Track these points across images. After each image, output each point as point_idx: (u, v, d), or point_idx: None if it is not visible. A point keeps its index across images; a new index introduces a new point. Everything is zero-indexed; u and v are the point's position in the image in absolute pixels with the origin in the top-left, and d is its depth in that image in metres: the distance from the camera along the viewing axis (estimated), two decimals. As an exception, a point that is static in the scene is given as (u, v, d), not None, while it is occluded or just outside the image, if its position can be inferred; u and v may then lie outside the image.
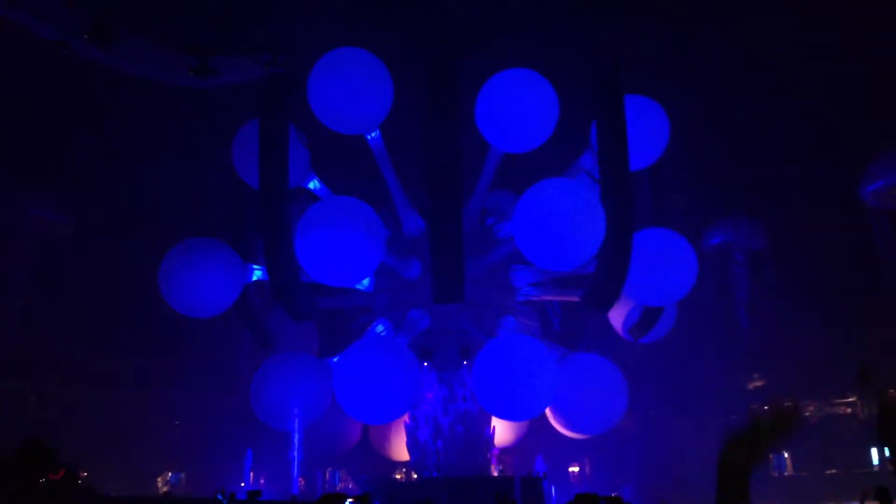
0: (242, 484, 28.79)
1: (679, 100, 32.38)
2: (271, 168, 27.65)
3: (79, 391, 35.91)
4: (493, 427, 31.10)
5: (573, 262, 27.93)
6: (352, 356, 28.25)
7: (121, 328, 35.71)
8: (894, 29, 32.28)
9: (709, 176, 36.66)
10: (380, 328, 31.90)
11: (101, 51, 22.33)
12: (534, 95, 28.84)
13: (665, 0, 34.66)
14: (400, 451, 32.78)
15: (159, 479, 37.40)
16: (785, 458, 40.16)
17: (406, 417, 30.74)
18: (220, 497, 19.27)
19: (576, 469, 39.16)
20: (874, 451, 40.62)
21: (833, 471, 39.21)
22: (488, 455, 30.83)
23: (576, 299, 30.96)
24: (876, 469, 39.28)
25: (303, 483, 29.59)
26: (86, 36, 21.59)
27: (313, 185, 32.07)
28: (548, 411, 30.20)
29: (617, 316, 31.47)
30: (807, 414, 43.97)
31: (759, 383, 43.36)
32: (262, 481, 30.53)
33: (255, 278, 30.64)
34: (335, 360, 30.43)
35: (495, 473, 31.10)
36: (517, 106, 28.60)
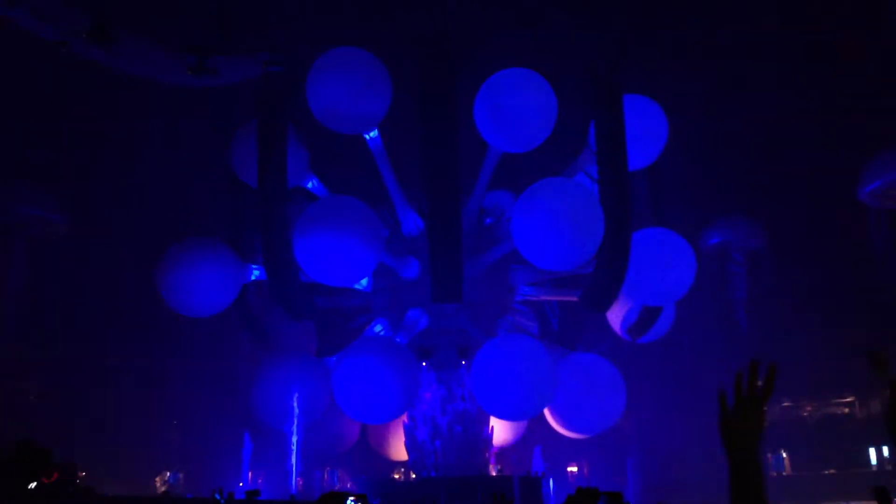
0: (241, 484, 28.77)
1: (677, 99, 32.40)
2: (270, 168, 27.66)
3: (77, 391, 35.85)
4: (492, 427, 31.10)
5: (571, 262, 27.95)
6: (350, 356, 28.24)
7: (119, 328, 35.65)
8: (893, 29, 32.30)
9: (707, 176, 36.66)
10: (378, 328, 31.90)
11: (100, 50, 22.31)
12: (532, 95, 28.85)
13: (664, 0, 34.66)
14: (398, 450, 32.77)
15: (157, 479, 37.37)
16: (783, 458, 40.20)
17: (404, 417, 30.73)
18: (217, 497, 19.26)
19: (574, 469, 39.17)
20: (872, 451, 40.66)
21: (831, 470, 39.24)
22: (487, 455, 30.83)
23: (574, 299, 30.97)
24: (874, 469, 39.33)
25: (301, 483, 29.58)
26: (85, 36, 21.57)
27: (311, 184, 32.06)
28: (546, 411, 30.22)
29: (615, 316, 31.48)
30: (805, 414, 44.02)
31: (756, 383, 43.35)
32: (259, 481, 30.51)
33: (253, 278, 30.63)
34: (334, 359, 30.43)
35: (493, 473, 31.10)
36: (516, 106, 28.62)
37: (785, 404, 43.14)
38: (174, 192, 35.52)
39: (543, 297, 34.13)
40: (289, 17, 30.64)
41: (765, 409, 2.80)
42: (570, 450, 36.14)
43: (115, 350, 36.49)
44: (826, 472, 39.30)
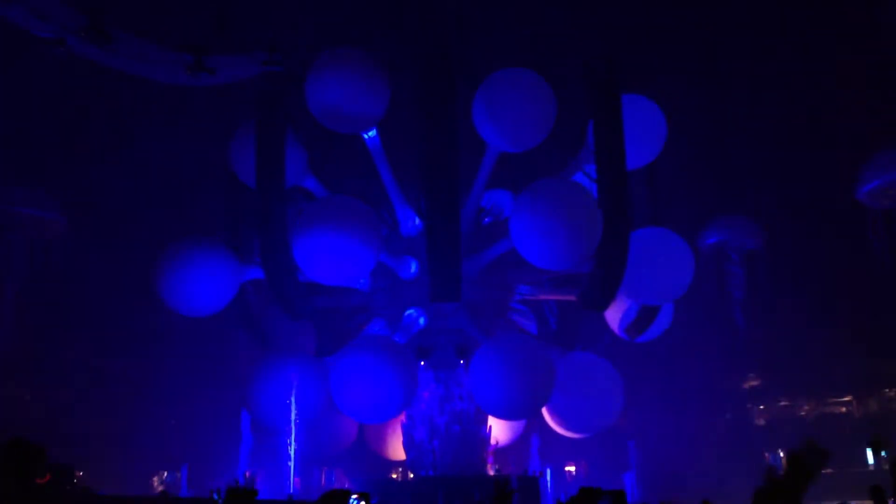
0: (243, 476, 28.72)
1: (676, 99, 32.41)
2: (268, 167, 27.65)
3: (74, 391, 35.82)
4: (490, 426, 31.11)
5: (569, 262, 27.96)
6: (348, 355, 28.23)
7: (117, 327, 35.62)
8: (891, 29, 32.32)
9: (705, 175, 36.71)
10: (376, 327, 31.89)
11: (97, 49, 22.25)
12: (531, 95, 28.85)
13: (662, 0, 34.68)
14: (396, 450, 32.76)
15: (155, 479, 37.34)
16: (781, 458, 40.23)
17: (402, 416, 30.72)
18: (216, 497, 19.22)
19: (572, 468, 39.19)
20: (869, 451, 40.73)
21: (829, 470, 39.27)
22: (485, 454, 30.83)
23: (572, 298, 30.99)
24: (871, 468, 39.38)
25: (298, 483, 29.55)
26: (82, 34, 21.52)
27: (310, 184, 32.04)
28: (544, 411, 30.24)
29: (613, 315, 31.50)
30: (802, 413, 44.07)
31: (754, 382, 43.47)
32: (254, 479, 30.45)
33: (251, 277, 30.60)
34: (331, 359, 30.40)
35: (492, 473, 31.11)
36: (514, 105, 28.62)
37: (782, 404, 43.20)
38: (172, 192, 35.49)
39: (542, 297, 34.13)
40: (287, 17, 30.62)
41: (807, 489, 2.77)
42: (568, 449, 36.17)
43: (112, 350, 36.47)
44: (823, 471, 39.34)
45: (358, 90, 28.84)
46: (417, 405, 30.32)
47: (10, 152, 32.98)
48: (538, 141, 29.73)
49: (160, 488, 35.41)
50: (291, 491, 27.59)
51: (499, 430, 32.30)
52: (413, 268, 31.03)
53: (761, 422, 45.06)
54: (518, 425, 34.00)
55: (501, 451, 33.57)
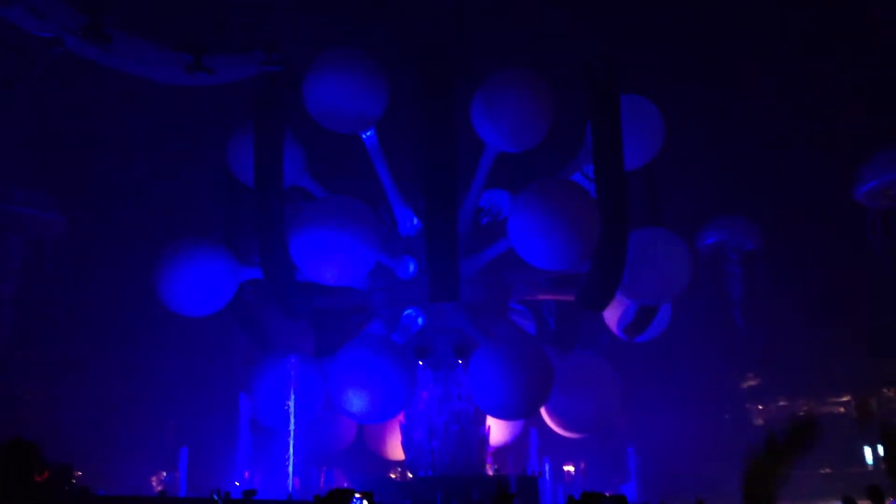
0: (237, 483, 28.73)
1: (674, 99, 32.45)
2: (266, 167, 27.64)
3: (73, 390, 35.80)
4: (488, 426, 31.10)
5: (568, 262, 27.97)
6: (347, 355, 28.22)
7: (115, 327, 35.61)
8: (890, 30, 32.37)
9: (704, 175, 36.75)
10: (375, 327, 31.87)
11: (95, 49, 22.25)
12: (529, 95, 28.86)
13: (661, 0, 34.71)
14: (395, 450, 32.76)
15: (154, 479, 37.32)
16: (789, 471, 40.25)
17: (401, 416, 30.72)
18: (216, 497, 19.20)
19: (571, 468, 39.20)
20: (868, 450, 40.77)
21: (827, 469, 39.34)
22: (483, 454, 30.83)
23: (571, 298, 30.99)
24: (870, 467, 39.43)
25: (297, 482, 29.53)
26: (80, 34, 21.51)
27: (308, 184, 32.04)
28: (543, 411, 30.23)
29: (612, 315, 31.51)
30: (800, 413, 44.09)
31: (752, 382, 43.50)
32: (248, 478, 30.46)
33: (250, 277, 30.59)
34: (330, 359, 30.39)
35: (490, 473, 31.11)
36: (513, 105, 28.63)
37: (780, 403, 43.22)
38: (170, 192, 35.50)
39: (540, 297, 34.14)
40: (286, 17, 30.63)
41: (792, 462, 2.82)
42: (567, 449, 36.18)
43: (111, 349, 36.45)
44: (822, 471, 39.40)
45: (356, 90, 28.84)
46: (416, 405, 30.32)
47: (9, 152, 32.97)
48: (537, 141, 29.73)
49: (159, 488, 35.39)
50: (290, 491, 27.58)
51: (497, 429, 32.31)
52: (411, 268, 31.03)
53: (760, 421, 45.07)
54: (516, 425, 34.00)
55: (500, 452, 33.59)
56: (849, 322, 36.29)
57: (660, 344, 33.21)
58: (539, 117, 29.14)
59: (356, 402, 27.32)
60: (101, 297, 35.45)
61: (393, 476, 35.10)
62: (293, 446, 28.09)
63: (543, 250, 27.33)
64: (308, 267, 27.89)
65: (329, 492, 5.15)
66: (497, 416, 30.10)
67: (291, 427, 28.30)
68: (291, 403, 28.31)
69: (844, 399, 44.29)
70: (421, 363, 30.25)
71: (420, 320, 31.26)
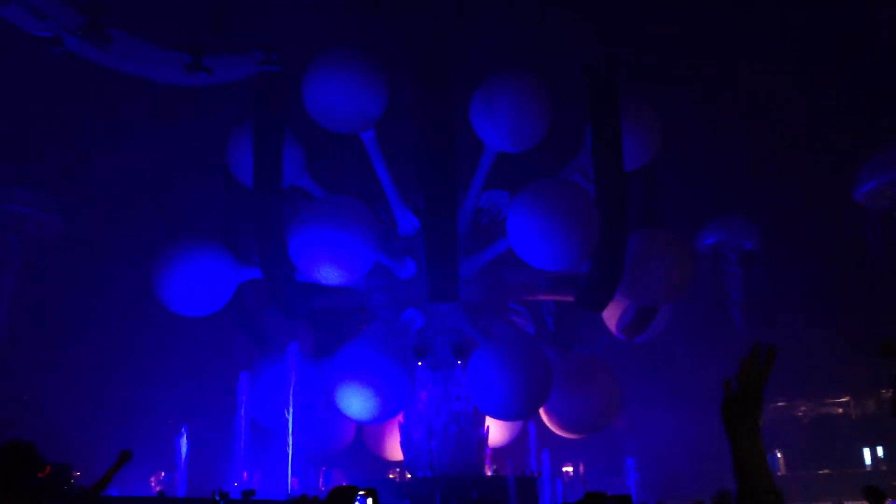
0: (236, 483, 28.72)
1: (674, 100, 32.45)
2: (266, 167, 27.63)
3: (72, 390, 35.76)
4: (487, 427, 31.10)
5: (567, 262, 27.97)
6: (346, 355, 28.22)
7: (114, 327, 35.59)
8: (890, 29, 32.39)
9: (703, 176, 36.76)
10: (374, 327, 31.86)
11: (94, 49, 22.24)
12: (529, 95, 28.86)
13: (659, 0, 34.71)
14: (394, 450, 32.75)
15: (153, 479, 37.28)
16: (778, 458, 40.31)
17: (400, 417, 30.71)
18: (217, 497, 19.16)
19: (570, 469, 39.20)
20: (866, 451, 40.78)
21: (826, 470, 39.37)
22: (482, 455, 30.82)
23: (570, 299, 30.99)
24: (868, 468, 39.44)
25: (296, 483, 29.52)
26: (79, 34, 21.50)
27: (307, 183, 32.03)
28: (542, 411, 30.23)
29: (611, 315, 31.51)
30: (799, 414, 44.09)
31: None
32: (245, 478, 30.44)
33: (249, 277, 30.58)
34: (329, 359, 30.38)
35: (489, 473, 31.10)
36: (512, 106, 28.63)
37: (780, 404, 43.22)
38: (170, 192, 35.47)
39: (539, 297, 34.14)
40: (285, 17, 30.61)
41: (762, 388, 2.92)
42: (565, 449, 36.18)
43: (110, 349, 36.41)
44: (820, 471, 39.43)
45: (356, 90, 28.83)
46: (415, 405, 30.32)
47: (8, 152, 32.95)
48: (536, 141, 29.74)
49: (158, 488, 35.36)
50: (290, 491, 27.57)
51: (496, 430, 32.31)
52: (411, 268, 31.03)
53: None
54: (516, 426, 34.00)
55: (499, 452, 33.59)
56: (848, 322, 36.30)
57: (659, 344, 33.21)
58: (538, 118, 29.15)
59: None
60: (101, 296, 35.44)
61: (392, 476, 35.11)
62: (292, 446, 28.08)
63: (543, 251, 27.34)
64: (307, 267, 27.89)
65: (332, 490, 5.13)
66: (496, 416, 30.10)
67: (290, 427, 28.30)
68: (290, 404, 28.30)
69: (843, 400, 44.30)
70: (420, 363, 30.23)
71: (419, 320, 31.25)
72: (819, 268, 37.36)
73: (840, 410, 44.28)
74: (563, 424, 30.80)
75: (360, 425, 32.72)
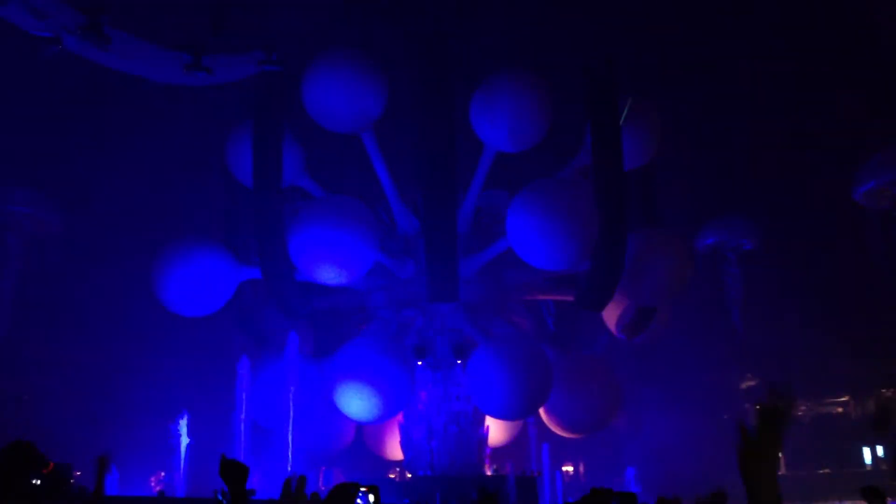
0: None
1: (673, 99, 32.44)
2: (265, 167, 27.63)
3: (71, 390, 35.75)
4: (487, 426, 31.10)
5: (567, 262, 27.98)
6: (346, 355, 28.22)
7: (113, 327, 35.55)
8: (889, 29, 32.40)
9: (702, 176, 36.74)
10: (374, 327, 31.86)
11: (94, 48, 22.22)
12: (528, 95, 28.87)
13: (660, 1, 34.71)
14: (394, 450, 32.75)
15: (152, 479, 37.26)
16: (778, 458, 40.28)
17: (400, 416, 30.70)
18: (220, 497, 19.14)
19: (570, 468, 39.19)
20: (867, 451, 40.77)
21: (826, 470, 39.36)
22: (482, 454, 30.83)
23: (570, 299, 30.99)
24: (868, 468, 39.44)
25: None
26: (79, 33, 21.48)
27: (307, 183, 32.02)
28: (541, 411, 30.23)
29: (611, 315, 31.51)
30: (799, 413, 44.06)
31: (751, 383, 43.47)
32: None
33: (249, 277, 30.56)
34: (329, 359, 30.38)
35: (489, 473, 31.10)
36: (512, 106, 28.63)
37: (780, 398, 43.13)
38: (169, 191, 35.44)
39: (539, 297, 34.13)
40: (285, 16, 30.60)
41: (782, 434, 2.82)
42: (565, 449, 36.17)
43: (109, 349, 36.39)
44: (820, 471, 39.42)
45: (355, 90, 28.85)
46: (415, 405, 30.32)
47: (7, 152, 32.92)
48: (536, 141, 29.74)
49: (158, 488, 35.35)
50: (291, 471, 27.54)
51: (496, 430, 32.30)
52: (410, 268, 31.03)
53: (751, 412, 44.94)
54: (515, 425, 33.99)
55: (499, 451, 33.59)
56: (847, 322, 36.30)
57: (658, 344, 33.20)
58: (538, 117, 29.16)
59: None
60: (100, 296, 35.39)
61: (392, 476, 35.10)
62: (292, 446, 28.07)
63: (542, 250, 27.36)
64: (307, 266, 27.89)
65: (334, 487, 5.13)
66: (496, 416, 30.11)
67: (290, 427, 28.30)
68: (290, 404, 28.31)
69: (843, 399, 44.29)
70: (420, 363, 30.24)
71: (419, 320, 31.24)
72: (819, 267, 37.35)
73: (840, 410, 44.27)
74: (562, 424, 30.81)
75: (361, 425, 32.72)
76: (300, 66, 29.34)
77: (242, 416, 29.10)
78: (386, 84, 29.56)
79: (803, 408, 43.67)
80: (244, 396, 29.43)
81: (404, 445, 30.91)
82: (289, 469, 27.70)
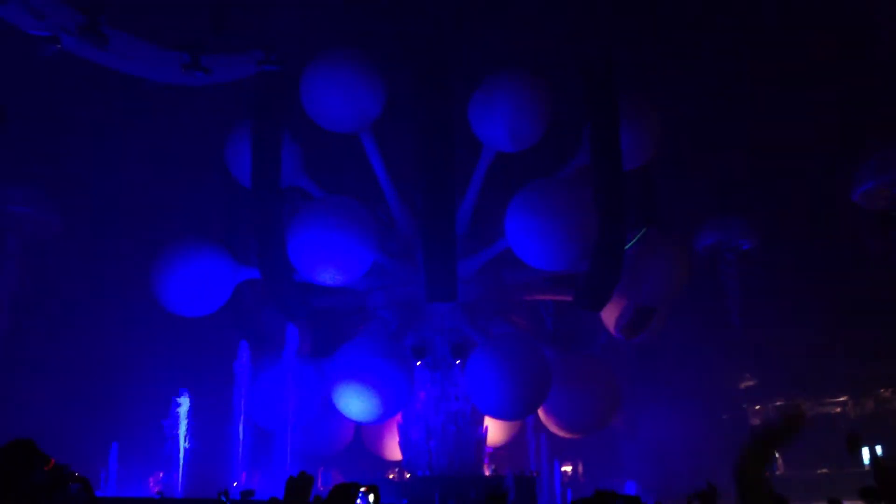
0: (235, 484, 28.71)
1: (672, 99, 32.44)
2: (264, 167, 27.64)
3: (70, 390, 35.71)
4: (486, 426, 31.09)
5: (565, 262, 27.98)
6: (345, 355, 28.21)
7: (112, 327, 35.52)
8: (889, 29, 32.42)
9: (701, 175, 36.74)
10: (373, 327, 31.84)
11: (92, 48, 22.20)
12: (527, 95, 28.88)
13: (659, 1, 34.70)
14: (392, 450, 32.74)
15: (151, 480, 37.23)
16: (776, 458, 40.31)
17: (399, 417, 30.69)
18: (223, 499, 19.11)
19: (568, 468, 39.18)
20: (865, 451, 40.75)
21: (824, 470, 39.35)
22: (481, 454, 30.82)
23: (568, 299, 31.00)
24: (867, 468, 39.38)
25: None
26: (77, 33, 21.46)
27: (305, 183, 32.01)
28: (540, 411, 30.23)
29: (609, 315, 31.51)
30: (790, 411, 44.05)
31: (750, 383, 43.50)
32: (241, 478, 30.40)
33: (247, 278, 30.55)
34: (328, 359, 30.37)
35: (487, 473, 31.10)
36: (511, 106, 28.64)
37: (778, 403, 43.22)
38: (168, 191, 35.40)
39: (538, 297, 34.13)
40: (283, 16, 30.57)
41: (778, 449, 2.89)
42: (564, 449, 36.17)
43: (108, 349, 36.36)
44: (819, 471, 39.42)
45: (354, 90, 28.85)
46: (414, 405, 30.31)
47: (6, 152, 32.89)
48: (534, 141, 29.75)
49: (157, 489, 35.30)
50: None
51: (495, 430, 32.30)
52: (409, 268, 31.01)
53: (757, 422, 45.06)
54: (514, 426, 33.99)
55: (498, 451, 33.60)
56: (846, 322, 36.31)
57: (657, 344, 33.20)
58: (537, 117, 29.17)
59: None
60: (99, 296, 35.36)
61: (391, 476, 35.10)
62: (291, 447, 28.06)
63: (541, 250, 27.37)
64: (305, 267, 27.88)
65: (334, 487, 5.14)
66: (494, 416, 30.11)
67: (289, 427, 28.28)
68: (289, 404, 28.29)
69: (842, 399, 44.31)
70: (419, 363, 30.23)
71: (417, 320, 31.22)
72: (817, 268, 37.36)
73: (839, 410, 44.28)
74: (561, 424, 30.80)
75: (359, 425, 32.71)
76: (299, 65, 29.32)
77: (241, 416, 29.08)
78: (385, 84, 29.57)
79: (802, 408, 43.64)
80: (243, 397, 29.42)
81: (403, 445, 30.91)
82: (288, 469, 27.68)
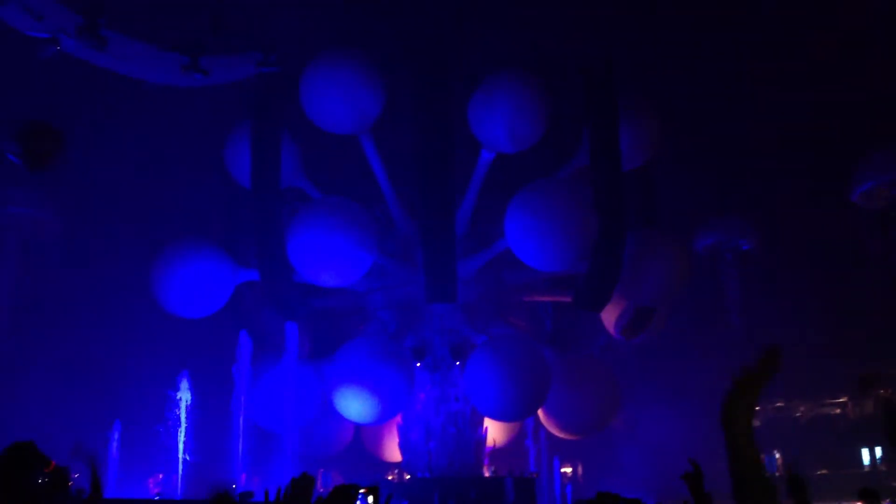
0: (234, 486, 28.68)
1: (671, 99, 32.43)
2: (263, 168, 27.63)
3: (69, 391, 35.70)
4: (485, 428, 31.07)
5: (565, 262, 27.97)
6: (344, 357, 28.19)
7: (112, 328, 35.51)
8: (888, 29, 32.43)
9: (701, 176, 36.74)
10: (372, 328, 31.83)
11: (91, 49, 22.19)
12: (527, 96, 28.86)
13: (658, 1, 34.71)
14: (392, 451, 32.71)
15: (151, 481, 37.19)
16: (776, 459, 40.29)
17: (398, 418, 30.67)
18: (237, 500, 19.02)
19: (568, 470, 39.16)
20: (865, 452, 40.78)
21: (824, 471, 39.34)
22: (480, 456, 30.80)
23: (568, 299, 30.98)
24: (867, 469, 39.44)
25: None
26: (76, 34, 21.45)
27: (305, 184, 31.99)
28: (540, 412, 30.21)
29: (609, 316, 31.49)
30: (797, 414, 44.08)
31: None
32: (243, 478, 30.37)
33: (247, 279, 30.53)
34: (327, 360, 30.35)
35: (487, 474, 31.08)
36: (510, 106, 28.62)
37: (777, 405, 43.23)
38: (167, 192, 35.40)
39: (537, 298, 34.11)
40: (282, 17, 30.56)
41: (760, 387, 3.01)
42: (564, 450, 36.14)
43: (108, 349, 36.35)
44: (818, 472, 39.40)
45: (353, 91, 28.83)
46: (413, 406, 30.29)
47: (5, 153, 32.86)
48: (534, 141, 29.73)
49: (156, 490, 35.28)
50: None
51: (494, 431, 32.28)
52: (409, 269, 30.99)
53: (756, 423, 44.87)
54: (514, 427, 33.96)
55: (497, 452, 33.56)
56: (846, 323, 36.31)
57: (657, 344, 33.19)
58: (536, 118, 29.15)
59: None
60: (98, 297, 35.35)
61: (390, 477, 35.06)
62: (291, 448, 28.03)
63: (541, 251, 27.35)
64: (305, 268, 27.87)
65: (333, 489, 5.13)
66: (494, 417, 30.09)
67: (289, 429, 28.25)
68: (289, 406, 28.26)
69: (841, 400, 44.31)
70: (418, 364, 30.22)
71: (417, 321, 31.20)
72: (816, 268, 37.37)
73: (838, 411, 44.29)
74: (561, 425, 30.78)
75: (359, 426, 32.69)
76: (298, 66, 29.30)
77: (241, 417, 29.04)
78: (384, 85, 29.55)
79: (801, 408, 43.68)
80: (242, 398, 29.38)
81: (402, 447, 30.89)
82: (288, 470, 27.67)
